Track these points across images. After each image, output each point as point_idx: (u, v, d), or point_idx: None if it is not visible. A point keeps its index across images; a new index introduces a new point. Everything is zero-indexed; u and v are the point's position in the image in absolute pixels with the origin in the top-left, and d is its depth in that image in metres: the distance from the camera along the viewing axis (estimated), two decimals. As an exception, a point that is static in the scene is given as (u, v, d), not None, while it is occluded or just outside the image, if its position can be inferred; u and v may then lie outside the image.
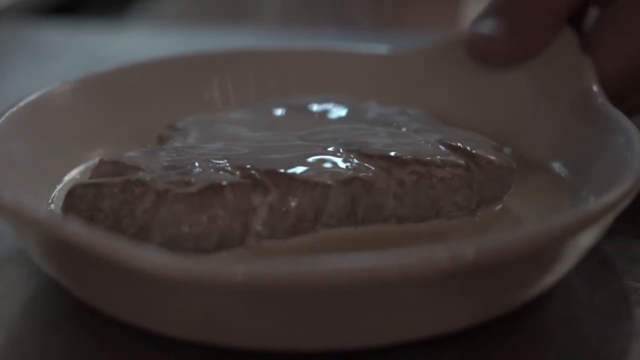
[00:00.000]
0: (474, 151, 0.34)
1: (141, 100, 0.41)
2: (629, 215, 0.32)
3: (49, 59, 0.62)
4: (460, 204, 0.34)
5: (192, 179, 0.31)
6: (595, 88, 0.37)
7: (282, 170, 0.32)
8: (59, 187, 0.36)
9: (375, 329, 0.28)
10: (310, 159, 0.33)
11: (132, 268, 0.26)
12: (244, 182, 0.32)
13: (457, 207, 0.34)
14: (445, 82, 0.42)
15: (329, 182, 0.32)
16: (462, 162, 0.34)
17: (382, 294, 0.27)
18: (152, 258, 0.26)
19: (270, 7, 1.29)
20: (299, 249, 0.32)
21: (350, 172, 0.33)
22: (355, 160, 0.33)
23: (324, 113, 0.39)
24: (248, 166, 0.32)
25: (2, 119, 0.35)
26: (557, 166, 0.37)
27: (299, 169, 0.32)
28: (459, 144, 0.35)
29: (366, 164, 0.33)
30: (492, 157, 0.34)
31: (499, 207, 0.35)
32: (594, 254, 0.32)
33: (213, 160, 0.33)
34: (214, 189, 0.31)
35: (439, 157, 0.34)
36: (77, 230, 0.27)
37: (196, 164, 0.32)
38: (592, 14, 0.41)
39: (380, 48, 0.44)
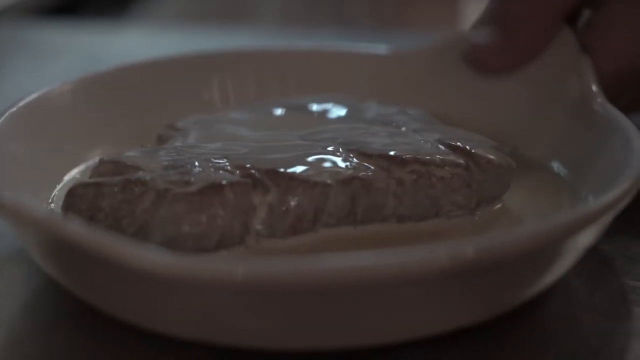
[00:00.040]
0: (473, 151, 0.34)
1: (141, 100, 0.41)
2: (628, 215, 0.32)
3: (49, 59, 0.62)
4: (460, 203, 0.34)
5: (192, 179, 0.31)
6: (594, 88, 0.37)
7: (282, 170, 0.32)
8: (59, 187, 0.36)
9: (375, 328, 0.28)
10: (310, 159, 0.33)
11: (132, 267, 0.26)
12: (244, 182, 0.32)
13: (457, 207, 0.34)
14: (445, 83, 0.42)
15: (329, 181, 0.32)
16: (461, 161, 0.34)
17: (382, 294, 0.27)
18: (152, 257, 0.26)
19: (270, 7, 1.29)
20: (299, 249, 0.32)
21: (350, 172, 0.33)
22: (355, 160, 0.33)
23: (324, 113, 0.39)
24: (248, 166, 0.32)
25: (2, 119, 0.35)
26: (556, 166, 0.37)
27: (299, 169, 0.32)
28: (458, 143, 0.35)
29: (366, 164, 0.33)
30: (492, 157, 0.34)
31: (498, 206, 0.35)
32: (594, 253, 0.32)
33: (213, 160, 0.33)
34: (214, 189, 0.31)
35: (438, 156, 0.34)
36: (77, 229, 0.27)
37: (196, 163, 0.32)
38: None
39: (380, 48, 0.44)
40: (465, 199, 0.34)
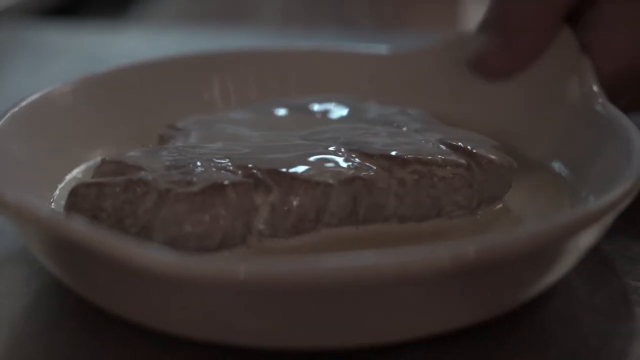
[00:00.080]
0: (474, 150, 0.34)
1: (142, 100, 0.41)
2: (629, 215, 0.32)
3: (49, 60, 0.62)
4: (461, 203, 0.34)
5: (194, 179, 0.31)
6: (595, 88, 0.37)
7: (283, 170, 0.32)
8: (60, 186, 0.36)
9: (376, 327, 0.28)
10: (312, 159, 0.33)
11: (135, 266, 0.26)
12: (245, 182, 0.32)
13: (458, 207, 0.34)
14: (446, 83, 0.42)
15: (331, 181, 0.32)
16: (463, 161, 0.34)
17: (383, 293, 0.27)
18: (155, 256, 0.26)
19: (270, 7, 1.29)
20: (301, 249, 0.32)
21: (351, 172, 0.33)
22: (357, 160, 0.33)
23: (325, 113, 0.39)
24: (250, 165, 0.32)
25: (4, 119, 0.35)
26: (557, 166, 0.37)
27: (301, 168, 0.32)
28: (459, 143, 0.35)
29: (367, 164, 0.33)
30: (493, 157, 0.35)
31: (499, 206, 0.35)
32: (594, 253, 0.32)
33: (215, 160, 0.33)
34: (216, 189, 0.31)
35: (440, 156, 0.34)
36: (80, 228, 0.27)
37: (198, 163, 0.32)
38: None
39: (381, 48, 0.44)
40: (467, 199, 0.34)
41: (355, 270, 0.26)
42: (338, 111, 0.39)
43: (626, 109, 0.36)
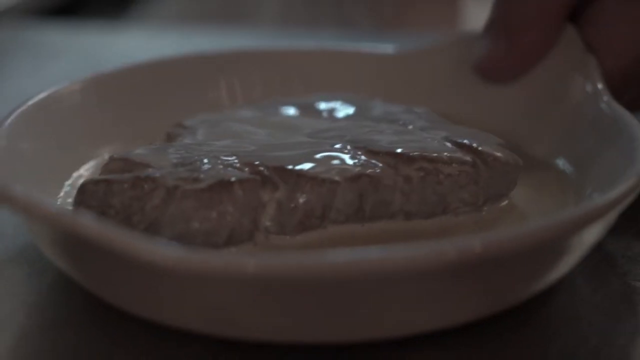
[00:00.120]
0: (480, 148, 0.34)
1: (149, 99, 0.41)
2: (631, 215, 0.32)
3: (50, 60, 0.62)
4: (467, 200, 0.34)
5: (201, 175, 0.31)
6: (600, 86, 0.38)
7: (290, 167, 0.32)
8: (67, 184, 0.36)
9: (382, 322, 0.28)
10: (318, 156, 0.33)
11: (145, 261, 0.26)
12: (252, 179, 0.32)
13: (464, 203, 0.34)
14: (451, 82, 0.42)
15: (337, 178, 0.32)
16: (468, 158, 0.34)
17: (391, 287, 0.27)
18: (165, 251, 0.26)
19: (269, 7, 1.29)
20: (307, 246, 0.32)
21: (357, 169, 0.33)
22: (363, 157, 0.34)
23: (331, 111, 0.39)
24: (256, 163, 0.32)
25: (12, 117, 0.35)
26: (562, 163, 0.37)
27: (307, 166, 0.33)
28: (465, 140, 0.35)
29: (373, 161, 0.33)
30: (498, 154, 0.35)
31: (505, 203, 0.35)
32: (596, 253, 0.32)
33: (222, 157, 0.33)
34: (223, 185, 0.31)
35: (445, 153, 0.34)
36: (88, 223, 0.27)
37: (205, 160, 0.32)
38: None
39: (387, 48, 0.45)
40: (472, 196, 0.34)
41: (363, 264, 0.26)
42: (344, 110, 0.39)
43: (628, 107, 0.36)
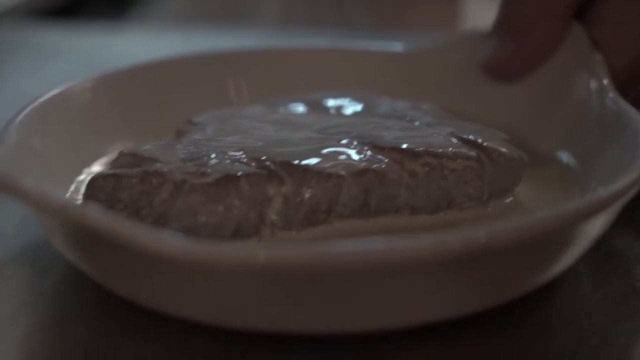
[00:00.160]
0: (485, 144, 0.35)
1: (159, 97, 0.42)
2: (631, 214, 0.32)
3: (50, 60, 0.62)
4: (472, 195, 0.34)
5: (208, 170, 0.32)
6: (606, 82, 0.38)
7: (296, 162, 0.33)
8: (78, 179, 0.36)
9: (387, 312, 0.28)
10: (324, 151, 0.34)
11: (155, 253, 0.26)
12: (258, 173, 0.32)
13: (469, 198, 0.34)
14: (458, 80, 0.43)
15: (343, 173, 0.33)
16: (473, 154, 0.34)
17: (397, 277, 0.27)
18: (175, 242, 0.26)
19: (269, 8, 1.29)
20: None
21: (363, 164, 0.33)
22: (369, 153, 0.34)
23: (338, 108, 0.39)
24: (263, 158, 0.33)
25: (24, 113, 0.36)
26: (567, 159, 0.37)
27: (313, 161, 0.33)
28: (470, 136, 0.35)
29: (379, 156, 0.34)
30: (503, 150, 0.35)
31: (510, 199, 0.35)
32: (596, 252, 0.33)
33: (229, 152, 0.33)
34: (230, 180, 0.31)
35: (450, 149, 0.34)
36: (97, 214, 0.27)
37: (212, 155, 0.33)
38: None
39: (395, 46, 0.45)
40: (477, 191, 0.34)
41: (371, 254, 0.26)
42: (351, 106, 0.40)
43: (634, 104, 0.37)
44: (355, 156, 0.33)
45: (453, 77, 0.43)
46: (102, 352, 0.29)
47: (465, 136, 0.35)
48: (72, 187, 0.36)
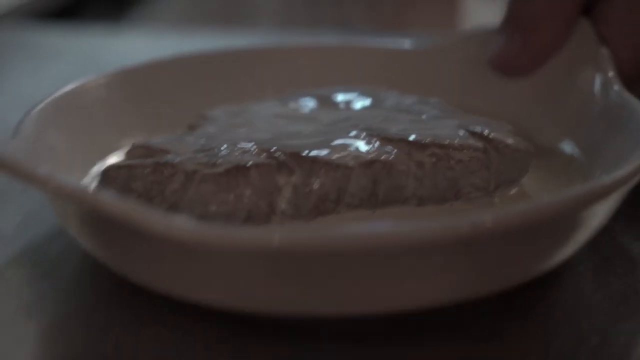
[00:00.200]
0: (491, 135, 0.35)
1: (173, 93, 0.43)
2: (630, 215, 0.32)
3: (49, 62, 0.62)
4: (478, 185, 0.35)
5: (219, 160, 0.32)
6: (611, 74, 0.38)
7: (305, 153, 0.33)
8: (92, 171, 0.37)
9: (396, 295, 0.29)
10: (333, 143, 0.34)
11: (170, 236, 0.27)
12: (268, 163, 0.33)
13: (475, 189, 0.35)
14: (466, 77, 0.43)
15: (351, 163, 0.33)
16: (479, 145, 0.35)
17: (406, 260, 0.27)
18: (189, 226, 0.27)
19: (269, 9, 1.29)
20: None
21: (371, 155, 0.34)
22: (377, 144, 0.34)
23: (347, 102, 0.40)
24: (273, 149, 0.33)
25: (41, 106, 0.36)
26: (574, 152, 0.38)
27: (322, 152, 0.33)
28: (477, 128, 0.35)
29: (387, 147, 0.34)
30: (510, 141, 0.35)
31: (515, 190, 0.36)
32: (597, 253, 0.33)
33: (239, 144, 0.34)
34: (240, 170, 0.32)
35: (457, 140, 0.35)
36: (110, 199, 0.28)
37: (223, 147, 0.33)
38: None
39: (403, 43, 0.46)
40: (483, 181, 0.35)
41: (383, 235, 0.26)
42: (360, 101, 0.40)
43: None
44: (363, 147, 0.34)
45: (460, 73, 0.43)
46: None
47: (471, 128, 0.36)
48: (86, 179, 0.36)
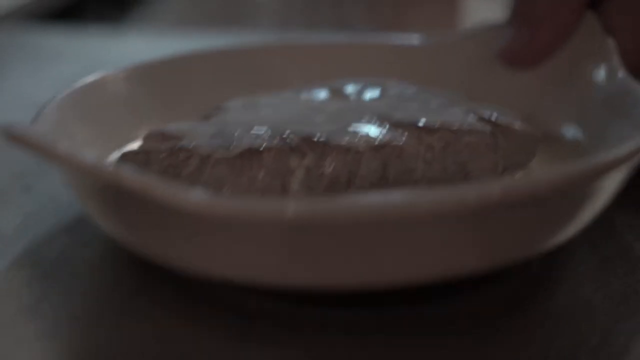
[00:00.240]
0: (499, 119, 0.36)
1: (188, 87, 0.44)
2: (630, 215, 0.32)
3: (50, 63, 0.63)
4: (486, 167, 0.35)
5: (233, 144, 0.33)
6: (615, 61, 0.39)
7: (317, 137, 0.34)
8: (108, 159, 0.37)
9: (404, 267, 0.29)
10: (345, 128, 0.35)
11: (187, 206, 0.27)
12: (281, 146, 0.33)
13: (484, 171, 0.35)
14: (474, 71, 0.44)
15: (362, 147, 0.34)
16: (487, 128, 0.35)
17: (415, 231, 0.28)
18: (205, 197, 0.27)
19: (269, 10, 1.29)
20: None
21: (381, 139, 0.34)
22: (387, 128, 0.35)
23: (359, 92, 0.41)
24: (286, 134, 0.34)
25: (60, 97, 0.37)
26: (578, 137, 0.39)
27: (334, 136, 0.34)
28: (485, 113, 0.36)
29: (397, 132, 0.35)
30: (516, 125, 0.36)
31: (523, 173, 0.36)
32: (597, 253, 0.33)
33: (253, 129, 0.34)
34: (253, 153, 0.33)
35: (465, 124, 0.35)
36: (131, 173, 0.28)
37: (237, 132, 0.34)
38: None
39: (412, 39, 0.46)
40: (491, 164, 0.35)
41: (397, 205, 0.27)
42: (371, 90, 0.41)
43: None
44: (374, 132, 0.35)
45: (468, 68, 0.44)
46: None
47: (479, 113, 0.36)
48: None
